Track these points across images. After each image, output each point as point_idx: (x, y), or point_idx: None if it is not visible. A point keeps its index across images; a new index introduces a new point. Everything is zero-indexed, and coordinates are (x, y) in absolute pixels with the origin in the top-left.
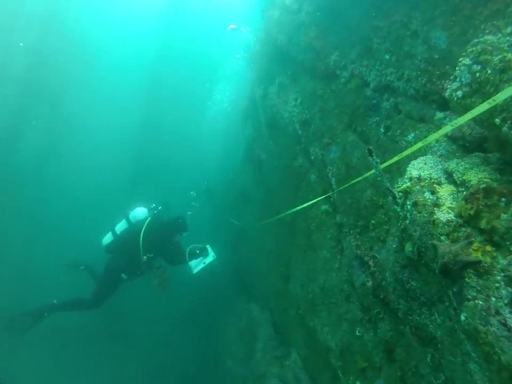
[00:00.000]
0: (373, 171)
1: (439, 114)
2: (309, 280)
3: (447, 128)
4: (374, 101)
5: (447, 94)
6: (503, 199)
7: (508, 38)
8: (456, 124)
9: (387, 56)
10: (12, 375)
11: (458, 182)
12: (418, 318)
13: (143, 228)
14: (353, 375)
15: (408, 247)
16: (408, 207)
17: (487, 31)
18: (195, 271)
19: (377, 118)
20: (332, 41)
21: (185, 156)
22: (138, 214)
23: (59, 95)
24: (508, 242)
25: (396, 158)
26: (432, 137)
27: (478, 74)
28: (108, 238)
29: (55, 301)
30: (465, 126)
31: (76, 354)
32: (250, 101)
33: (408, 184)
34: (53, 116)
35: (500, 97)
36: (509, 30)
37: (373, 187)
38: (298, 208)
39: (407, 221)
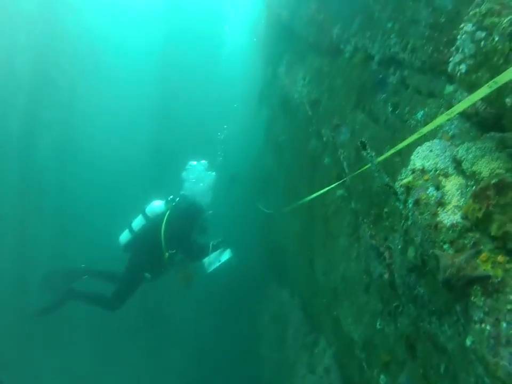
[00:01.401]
0: (369, 165)
1: (449, 88)
2: (330, 268)
3: (442, 118)
4: (380, 76)
5: (449, 68)
6: None
7: None
8: (452, 112)
9: (389, 25)
10: (52, 375)
11: (467, 174)
12: (428, 326)
13: (163, 223)
14: (377, 368)
15: (410, 252)
16: (410, 205)
17: None
18: (209, 269)
19: (384, 95)
20: (333, 12)
21: (203, 141)
22: (155, 208)
23: (69, 95)
24: None
25: (391, 151)
26: (427, 128)
27: (483, 43)
28: (125, 236)
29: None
30: (478, 101)
31: (116, 345)
32: (264, 81)
33: (410, 177)
34: (66, 117)
35: (502, 78)
36: None
37: (385, 171)
38: (312, 196)
39: (409, 222)
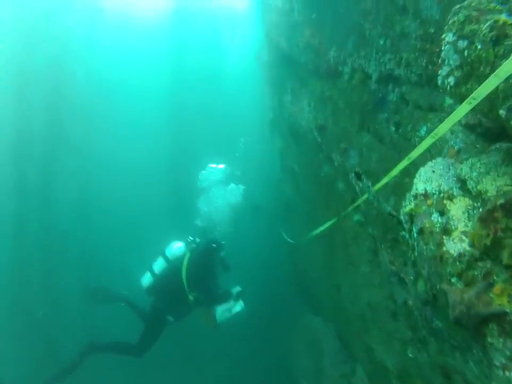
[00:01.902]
0: (366, 195)
1: (449, 100)
2: (355, 295)
3: (428, 142)
4: (380, 95)
5: (439, 82)
6: None
7: None
8: (436, 135)
9: (381, 42)
10: None
11: (473, 194)
12: (452, 361)
13: (184, 266)
14: None
15: (420, 285)
16: (414, 235)
17: None
18: (220, 319)
19: (386, 114)
20: (328, 35)
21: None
22: (176, 251)
23: (84, 144)
24: None
25: (385, 179)
26: (416, 153)
27: (466, 52)
28: (147, 279)
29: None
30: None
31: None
32: (273, 111)
33: (413, 204)
34: (81, 166)
35: (481, 93)
36: None
37: (394, 194)
38: (329, 223)
39: (416, 253)
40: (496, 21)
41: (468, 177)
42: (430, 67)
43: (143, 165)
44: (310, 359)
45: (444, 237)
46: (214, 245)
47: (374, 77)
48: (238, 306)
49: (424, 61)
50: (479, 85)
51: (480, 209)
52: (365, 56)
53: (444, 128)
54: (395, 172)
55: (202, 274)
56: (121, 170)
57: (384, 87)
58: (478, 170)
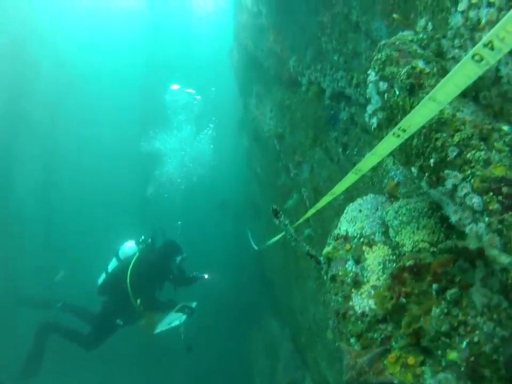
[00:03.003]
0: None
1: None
2: (304, 309)
3: (351, 178)
4: (332, 112)
5: (366, 119)
6: (434, 284)
7: (421, 35)
8: (359, 171)
9: (335, 57)
10: None
11: (393, 243)
12: None
13: (130, 267)
14: None
15: (329, 333)
16: (327, 281)
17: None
18: (157, 330)
19: (335, 133)
20: (289, 44)
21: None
22: (127, 250)
23: (46, 127)
24: (439, 351)
25: (304, 216)
26: (339, 189)
27: (386, 95)
28: (101, 278)
29: (58, 305)
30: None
31: (117, 368)
32: (242, 111)
33: (331, 246)
34: (46, 150)
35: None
36: (422, 22)
37: (339, 216)
38: (276, 238)
39: (326, 298)
40: (413, 68)
41: (390, 224)
42: None
43: (108, 151)
44: (266, 361)
45: (353, 290)
46: (173, 246)
47: (328, 93)
48: (176, 321)
49: None
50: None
51: (394, 264)
52: (320, 69)
53: (365, 165)
54: (311, 211)
55: (147, 278)
56: (86, 156)
57: (337, 105)
58: (400, 218)
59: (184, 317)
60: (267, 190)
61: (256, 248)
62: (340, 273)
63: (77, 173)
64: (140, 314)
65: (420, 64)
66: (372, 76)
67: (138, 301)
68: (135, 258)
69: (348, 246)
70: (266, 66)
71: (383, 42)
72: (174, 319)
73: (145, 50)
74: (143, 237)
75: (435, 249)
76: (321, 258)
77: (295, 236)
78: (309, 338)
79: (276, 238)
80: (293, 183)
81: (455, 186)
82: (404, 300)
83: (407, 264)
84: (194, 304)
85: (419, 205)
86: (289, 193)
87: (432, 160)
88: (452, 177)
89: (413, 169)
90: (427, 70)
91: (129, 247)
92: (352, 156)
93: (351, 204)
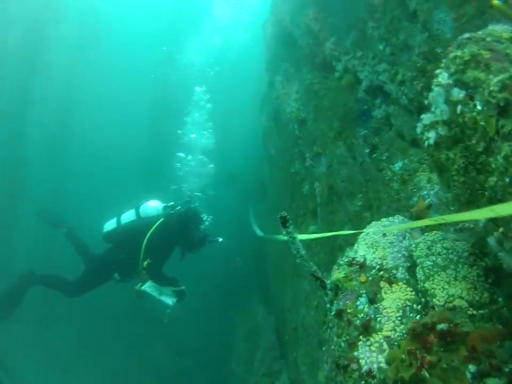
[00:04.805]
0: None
1: None
2: (294, 308)
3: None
4: (365, 107)
5: (417, 129)
6: (471, 365)
7: None
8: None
9: (381, 47)
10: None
11: (419, 288)
12: None
13: (151, 229)
14: None
15: (321, 376)
16: (332, 315)
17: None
18: (145, 287)
19: (365, 131)
20: (330, 24)
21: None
22: (151, 209)
23: (63, 73)
24: None
25: (324, 234)
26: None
27: (459, 108)
28: (110, 225)
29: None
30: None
31: (99, 335)
32: (267, 88)
33: (343, 273)
34: (62, 107)
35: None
36: None
37: (352, 223)
38: (278, 236)
39: (327, 335)
40: (511, 78)
41: (420, 261)
42: (425, 94)
43: (126, 110)
44: (246, 346)
45: (361, 337)
46: (193, 214)
47: (364, 85)
48: (168, 300)
49: (421, 84)
50: (463, 161)
51: (418, 316)
52: (360, 57)
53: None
54: (327, 235)
55: (164, 244)
56: (104, 110)
57: (372, 100)
58: (434, 259)
59: (175, 301)
60: (278, 174)
61: (258, 234)
62: (349, 310)
63: (92, 125)
64: (139, 275)
65: None
66: (442, 77)
67: (146, 262)
68: (159, 222)
69: (363, 278)
70: (300, 44)
71: (466, 35)
72: (167, 296)
73: (170, 11)
74: (172, 203)
75: (475, 312)
76: (328, 283)
77: (302, 253)
78: (292, 338)
79: (281, 238)
80: (306, 173)
81: None
82: (426, 374)
83: (440, 327)
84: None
85: (459, 247)
86: (301, 182)
87: None
88: None
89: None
90: None
91: (153, 207)
92: (380, 161)
93: (373, 223)
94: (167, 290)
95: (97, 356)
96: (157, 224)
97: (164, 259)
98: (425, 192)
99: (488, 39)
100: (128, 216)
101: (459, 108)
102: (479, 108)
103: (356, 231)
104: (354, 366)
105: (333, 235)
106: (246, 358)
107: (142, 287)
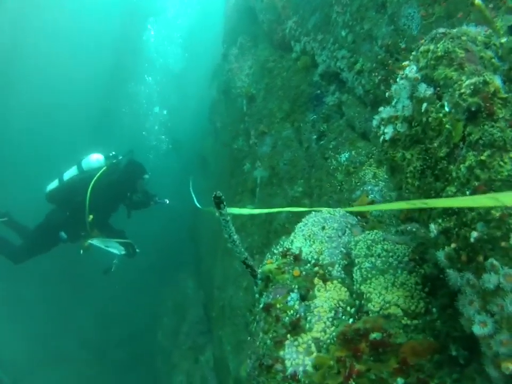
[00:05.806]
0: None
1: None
2: (223, 287)
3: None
4: (318, 91)
5: (373, 123)
6: (399, 378)
7: (498, 40)
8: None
9: (343, 33)
10: None
11: (355, 290)
12: None
13: (95, 178)
14: None
15: (243, 370)
16: (259, 306)
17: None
18: (92, 241)
19: (314, 116)
20: (294, 2)
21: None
22: (93, 162)
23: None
24: None
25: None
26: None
27: (425, 105)
28: (52, 185)
29: None
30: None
31: (25, 297)
32: (221, 60)
33: (275, 264)
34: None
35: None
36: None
37: (289, 205)
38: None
39: (253, 329)
40: (486, 83)
41: (358, 261)
42: (382, 87)
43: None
44: (173, 317)
45: (289, 336)
46: (137, 166)
47: (320, 69)
48: (115, 250)
49: (379, 77)
50: (420, 164)
51: (351, 320)
52: (321, 41)
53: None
54: (272, 211)
55: (108, 195)
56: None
57: (326, 85)
58: (374, 260)
59: (123, 253)
60: (221, 149)
61: (198, 206)
62: (278, 305)
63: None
64: (86, 232)
65: (497, 81)
66: (410, 70)
67: (91, 216)
68: (101, 171)
69: (296, 272)
70: (261, 19)
71: (441, 30)
72: (114, 247)
73: None
74: (113, 152)
75: (409, 322)
76: (259, 272)
77: (234, 238)
78: (219, 316)
79: (208, 209)
80: (249, 151)
81: (497, 288)
82: (353, 382)
83: (372, 336)
84: (138, 249)
85: (400, 250)
86: (242, 160)
87: (475, 236)
88: (500, 274)
89: (432, 225)
90: (503, 94)
91: (95, 159)
92: (326, 149)
93: (313, 213)
94: (113, 242)
95: (22, 318)
96: (100, 172)
97: (109, 211)
98: (370, 187)
99: (464, 38)
100: (70, 172)
101: (424, 105)
102: (446, 109)
103: (305, 208)
104: (279, 366)
105: (272, 212)
106: (172, 329)
107: (89, 241)
